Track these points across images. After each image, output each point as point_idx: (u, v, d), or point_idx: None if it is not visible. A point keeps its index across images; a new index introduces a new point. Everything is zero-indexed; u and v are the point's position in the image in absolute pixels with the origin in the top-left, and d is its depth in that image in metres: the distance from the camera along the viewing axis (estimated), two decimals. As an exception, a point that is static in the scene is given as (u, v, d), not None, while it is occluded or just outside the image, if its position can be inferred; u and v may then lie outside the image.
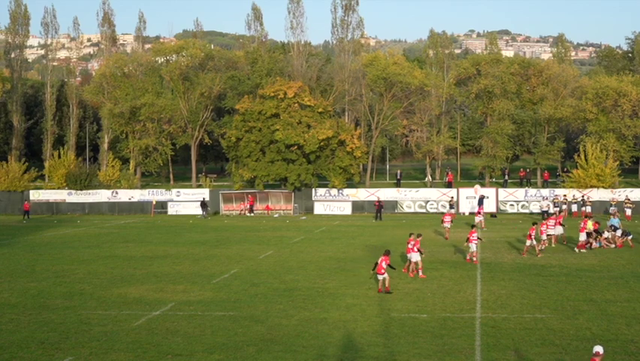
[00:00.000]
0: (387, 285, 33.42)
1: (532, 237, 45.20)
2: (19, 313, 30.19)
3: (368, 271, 39.52)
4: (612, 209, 69.48)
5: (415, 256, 37.95)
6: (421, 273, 37.56)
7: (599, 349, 18.35)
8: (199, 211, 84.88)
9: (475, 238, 42.88)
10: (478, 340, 25.14)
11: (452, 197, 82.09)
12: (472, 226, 45.65)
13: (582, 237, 47.77)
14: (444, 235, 55.88)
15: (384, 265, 33.38)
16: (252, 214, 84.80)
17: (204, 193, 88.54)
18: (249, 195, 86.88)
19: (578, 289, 33.81)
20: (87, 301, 32.73)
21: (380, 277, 33.35)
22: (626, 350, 23.83)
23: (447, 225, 56.29)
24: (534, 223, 47.64)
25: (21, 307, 31.41)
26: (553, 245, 48.91)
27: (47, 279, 38.72)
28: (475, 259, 42.73)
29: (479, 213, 65.35)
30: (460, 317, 28.49)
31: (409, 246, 38.45)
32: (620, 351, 23.66)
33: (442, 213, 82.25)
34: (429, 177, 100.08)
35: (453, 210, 78.20)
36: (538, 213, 76.85)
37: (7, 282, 37.97)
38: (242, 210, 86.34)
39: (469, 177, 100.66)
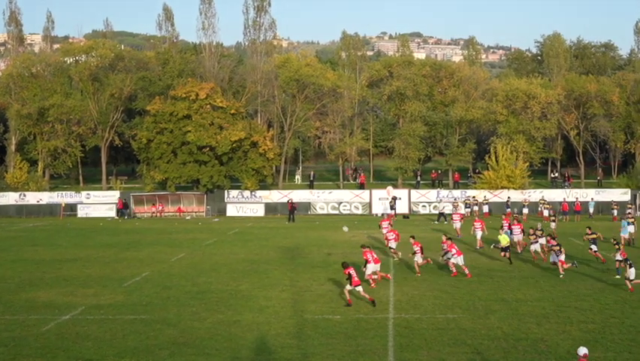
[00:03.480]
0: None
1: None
2: None
3: (281, 272, 39.54)
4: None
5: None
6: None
7: (585, 351, 18.04)
8: (110, 214, 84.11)
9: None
10: (391, 340, 25.24)
11: (394, 197, 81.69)
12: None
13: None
14: (383, 241, 52.17)
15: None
16: (120, 219, 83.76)
17: (115, 195, 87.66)
18: (119, 199, 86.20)
19: (490, 289, 34.20)
20: (-6, 306, 32.01)
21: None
22: (536, 348, 24.15)
23: (385, 230, 51.15)
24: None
25: None
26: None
27: (-48, 284, 37.75)
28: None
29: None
30: (373, 318, 28.55)
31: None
32: (531, 350, 23.96)
33: (355, 214, 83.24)
34: (297, 178, 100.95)
35: (393, 212, 78.44)
36: (449, 214, 77.62)
37: None
38: (154, 212, 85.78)
39: (382, 179, 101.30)
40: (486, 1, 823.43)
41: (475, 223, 51.64)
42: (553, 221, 57.81)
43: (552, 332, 26.10)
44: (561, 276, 37.30)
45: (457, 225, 58.43)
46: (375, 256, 36.11)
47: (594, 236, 43.32)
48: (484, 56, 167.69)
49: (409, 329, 26.68)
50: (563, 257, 38.32)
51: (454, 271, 38.07)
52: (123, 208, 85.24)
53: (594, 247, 42.61)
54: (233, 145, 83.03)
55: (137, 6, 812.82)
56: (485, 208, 78.72)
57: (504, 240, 43.11)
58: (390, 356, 23.45)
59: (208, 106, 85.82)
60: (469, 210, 78.41)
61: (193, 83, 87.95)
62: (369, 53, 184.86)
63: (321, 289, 34.74)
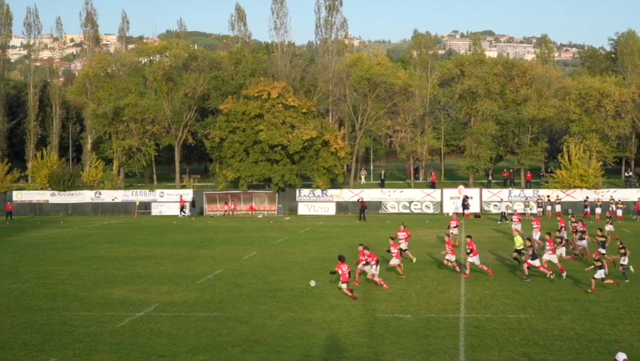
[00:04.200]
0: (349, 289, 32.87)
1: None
2: (2, 315, 29.99)
3: (352, 271, 39.41)
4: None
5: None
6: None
7: (625, 356, 17.52)
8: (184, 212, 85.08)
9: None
10: (462, 340, 25.13)
11: (466, 196, 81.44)
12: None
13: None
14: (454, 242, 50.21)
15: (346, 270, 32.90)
16: (194, 217, 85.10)
17: (188, 194, 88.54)
18: (181, 198, 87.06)
19: (562, 290, 33.83)
20: (71, 302, 32.58)
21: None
22: (609, 350, 23.84)
23: (454, 231, 51.42)
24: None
25: (4, 309, 31.22)
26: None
27: (31, 280, 38.54)
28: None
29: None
30: (444, 318, 28.48)
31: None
32: (604, 351, 23.69)
33: (426, 213, 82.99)
34: (362, 178, 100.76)
35: (467, 211, 78.13)
36: (510, 214, 76.56)
37: (-10, 283, 37.79)
38: (226, 210, 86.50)
39: (453, 178, 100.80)
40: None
41: (532, 223, 51.03)
42: (610, 223, 55.58)
43: (626, 334, 25.77)
44: (526, 280, 36.12)
45: (516, 226, 57.29)
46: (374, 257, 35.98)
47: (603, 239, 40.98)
48: (556, 55, 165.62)
49: (480, 329, 26.54)
50: (533, 262, 36.63)
51: (467, 271, 38.22)
52: (188, 207, 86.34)
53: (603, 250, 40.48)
54: (305, 144, 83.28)
55: (210, 6, 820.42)
56: (557, 208, 77.79)
57: (518, 241, 41.29)
58: (461, 356, 23.35)
59: (280, 105, 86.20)
60: (541, 209, 77.73)
61: (265, 82, 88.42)
62: (441, 52, 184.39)
63: (392, 287, 34.70)
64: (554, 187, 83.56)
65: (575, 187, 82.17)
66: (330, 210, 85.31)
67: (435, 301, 31.66)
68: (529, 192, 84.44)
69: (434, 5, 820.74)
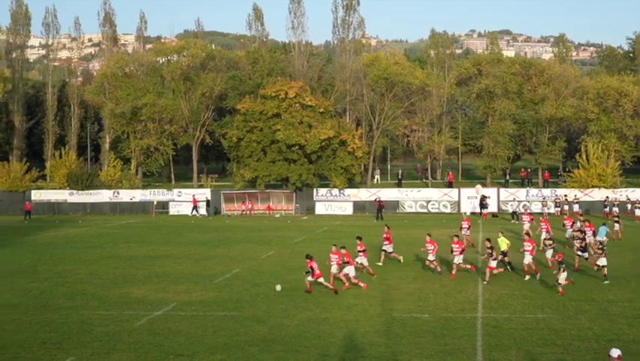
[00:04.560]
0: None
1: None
2: (21, 314, 30.22)
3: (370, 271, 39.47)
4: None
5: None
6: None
7: (619, 352, 17.66)
8: (201, 211, 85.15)
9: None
10: (479, 340, 25.14)
11: (484, 195, 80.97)
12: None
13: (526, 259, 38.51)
14: (468, 243, 50.14)
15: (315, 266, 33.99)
16: (197, 214, 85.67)
17: (205, 193, 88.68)
18: (194, 196, 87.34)
19: (580, 289, 33.76)
20: (89, 301, 32.77)
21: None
22: (628, 350, 23.76)
23: (466, 231, 50.66)
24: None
25: (23, 308, 31.44)
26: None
27: (49, 279, 38.78)
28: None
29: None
30: (462, 317, 28.48)
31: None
32: (623, 351, 23.47)
33: (443, 213, 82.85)
34: (377, 178, 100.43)
35: (485, 211, 77.93)
36: (539, 213, 76.47)
37: (9, 282, 38.01)
38: (244, 210, 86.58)
39: (471, 177, 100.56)
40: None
41: (541, 224, 50.81)
42: (617, 222, 55.23)
43: (644, 334, 25.74)
44: (485, 282, 36.00)
45: (526, 225, 57.02)
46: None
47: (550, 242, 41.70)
48: (574, 54, 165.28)
49: (498, 329, 26.54)
50: (492, 263, 36.74)
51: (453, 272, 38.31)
52: (197, 207, 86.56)
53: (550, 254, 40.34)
54: (322, 144, 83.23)
55: (227, 6, 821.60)
56: (575, 207, 77.47)
57: (503, 243, 40.47)
58: (479, 356, 23.37)
59: (297, 105, 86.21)
60: (558, 208, 77.47)
61: (282, 82, 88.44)
62: (458, 51, 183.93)
63: (409, 287, 34.77)
64: (572, 187, 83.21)
65: (592, 187, 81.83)
66: (348, 209, 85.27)
67: (452, 300, 31.66)
68: (546, 191, 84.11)
69: (451, 4, 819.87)
